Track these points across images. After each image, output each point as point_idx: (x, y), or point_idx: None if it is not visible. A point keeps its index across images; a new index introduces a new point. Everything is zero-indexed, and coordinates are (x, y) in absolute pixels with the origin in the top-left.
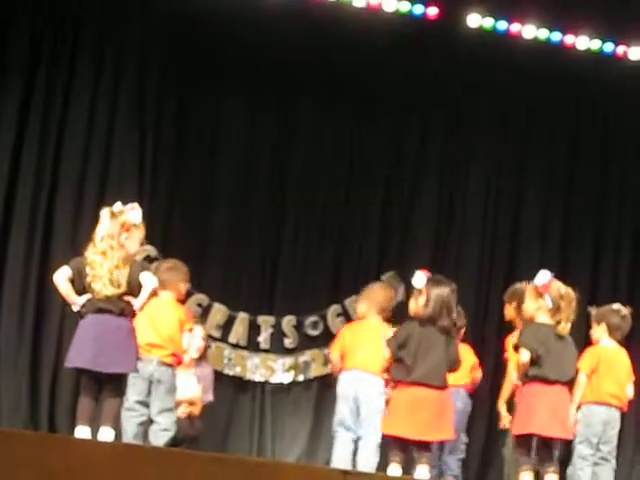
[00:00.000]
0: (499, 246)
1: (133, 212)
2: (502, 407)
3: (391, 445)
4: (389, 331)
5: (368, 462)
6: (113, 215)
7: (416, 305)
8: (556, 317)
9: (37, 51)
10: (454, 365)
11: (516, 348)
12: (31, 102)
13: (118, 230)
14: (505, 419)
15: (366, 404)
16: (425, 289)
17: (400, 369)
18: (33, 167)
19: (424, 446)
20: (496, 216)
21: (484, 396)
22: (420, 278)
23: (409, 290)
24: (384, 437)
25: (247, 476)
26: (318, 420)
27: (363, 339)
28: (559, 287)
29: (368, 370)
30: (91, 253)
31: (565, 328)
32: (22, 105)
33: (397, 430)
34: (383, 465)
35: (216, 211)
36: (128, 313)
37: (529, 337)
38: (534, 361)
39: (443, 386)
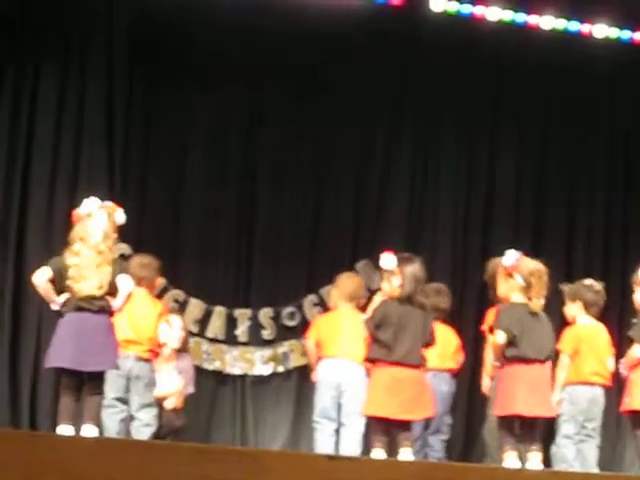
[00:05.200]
0: (472, 228)
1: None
2: (485, 380)
3: (373, 428)
4: (364, 316)
5: (352, 451)
6: None
7: (390, 286)
8: (528, 294)
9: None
10: (430, 341)
11: (492, 330)
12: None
13: None
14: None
15: (349, 392)
16: (398, 269)
17: (379, 349)
18: (3, 170)
19: (406, 426)
20: (468, 199)
21: (465, 377)
22: (389, 259)
23: None
24: (366, 422)
25: (232, 465)
26: (299, 410)
27: (339, 328)
28: (528, 264)
29: (349, 358)
30: (70, 253)
31: (537, 304)
32: None
33: (379, 410)
34: (366, 454)
35: (188, 206)
36: (107, 310)
37: (504, 318)
38: (511, 341)
39: (421, 365)
